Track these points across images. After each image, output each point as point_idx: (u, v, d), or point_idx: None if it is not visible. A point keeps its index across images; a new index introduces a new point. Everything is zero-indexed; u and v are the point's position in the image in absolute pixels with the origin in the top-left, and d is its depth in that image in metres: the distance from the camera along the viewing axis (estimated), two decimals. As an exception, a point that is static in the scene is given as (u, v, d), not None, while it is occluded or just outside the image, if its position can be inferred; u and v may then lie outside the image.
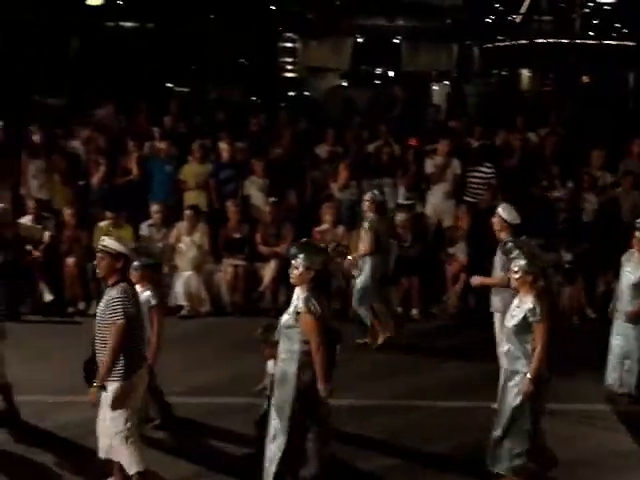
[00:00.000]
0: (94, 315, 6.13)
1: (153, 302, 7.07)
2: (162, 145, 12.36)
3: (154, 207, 11.32)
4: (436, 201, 12.12)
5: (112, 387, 5.98)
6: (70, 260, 10.88)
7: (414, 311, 11.11)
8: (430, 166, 12.25)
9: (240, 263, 11.17)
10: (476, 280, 8.14)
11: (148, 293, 7.07)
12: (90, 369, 6.14)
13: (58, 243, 10.98)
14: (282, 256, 10.55)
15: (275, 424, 6.05)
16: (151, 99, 15.16)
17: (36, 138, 12.19)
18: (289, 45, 28.80)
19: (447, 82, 24.52)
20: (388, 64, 27.59)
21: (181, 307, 10.90)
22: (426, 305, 11.20)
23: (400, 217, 11.27)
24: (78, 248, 10.94)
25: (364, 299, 9.80)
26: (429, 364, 9.27)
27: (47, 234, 11.01)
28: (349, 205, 11.86)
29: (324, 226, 11.25)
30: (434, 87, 24.02)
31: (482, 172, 12.05)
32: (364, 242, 9.77)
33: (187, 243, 11.12)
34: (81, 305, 10.87)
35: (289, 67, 28.48)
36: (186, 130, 13.56)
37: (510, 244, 6.65)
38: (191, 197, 11.86)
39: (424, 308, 11.15)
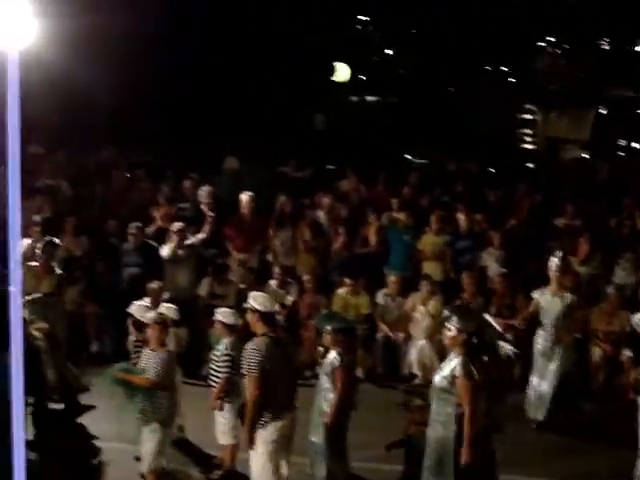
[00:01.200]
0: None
1: (337, 364, 7.32)
2: (400, 215, 12.68)
3: (391, 277, 11.56)
4: (686, 278, 11.51)
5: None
6: (309, 325, 11.34)
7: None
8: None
9: (474, 334, 11.12)
10: None
11: (334, 355, 7.37)
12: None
13: (298, 308, 11.48)
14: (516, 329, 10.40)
15: None
16: (390, 170, 15.60)
17: (285, 208, 12.85)
18: (528, 116, 28.61)
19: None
20: (632, 135, 26.65)
21: (414, 375, 11.02)
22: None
23: (644, 294, 10.80)
24: (317, 313, 11.38)
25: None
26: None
27: (290, 299, 11.57)
28: (590, 279, 11.54)
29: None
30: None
31: None
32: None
33: (422, 312, 11.26)
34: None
35: (528, 138, 28.24)
36: (426, 201, 13.82)
37: None
38: (429, 267, 12.00)
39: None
